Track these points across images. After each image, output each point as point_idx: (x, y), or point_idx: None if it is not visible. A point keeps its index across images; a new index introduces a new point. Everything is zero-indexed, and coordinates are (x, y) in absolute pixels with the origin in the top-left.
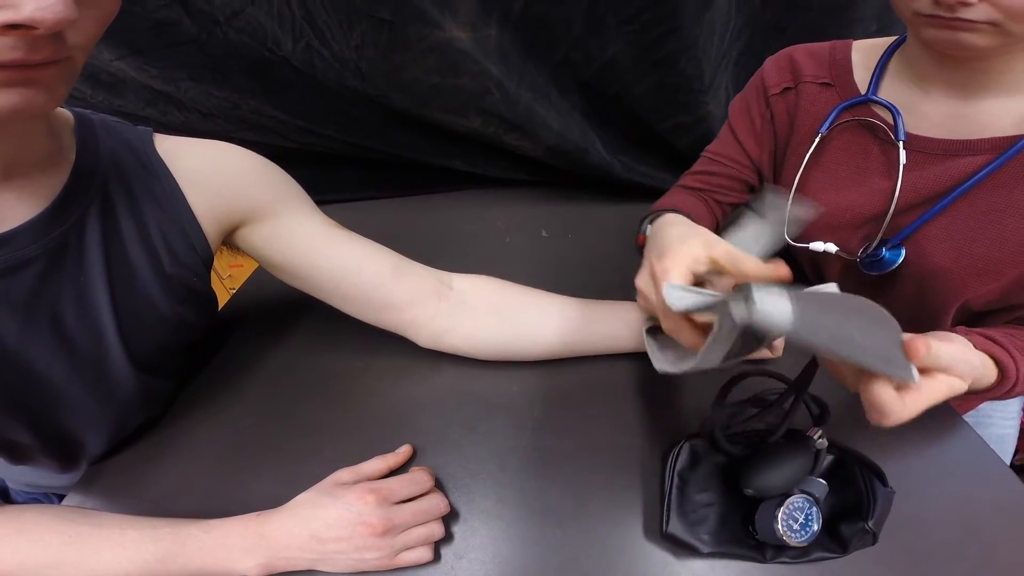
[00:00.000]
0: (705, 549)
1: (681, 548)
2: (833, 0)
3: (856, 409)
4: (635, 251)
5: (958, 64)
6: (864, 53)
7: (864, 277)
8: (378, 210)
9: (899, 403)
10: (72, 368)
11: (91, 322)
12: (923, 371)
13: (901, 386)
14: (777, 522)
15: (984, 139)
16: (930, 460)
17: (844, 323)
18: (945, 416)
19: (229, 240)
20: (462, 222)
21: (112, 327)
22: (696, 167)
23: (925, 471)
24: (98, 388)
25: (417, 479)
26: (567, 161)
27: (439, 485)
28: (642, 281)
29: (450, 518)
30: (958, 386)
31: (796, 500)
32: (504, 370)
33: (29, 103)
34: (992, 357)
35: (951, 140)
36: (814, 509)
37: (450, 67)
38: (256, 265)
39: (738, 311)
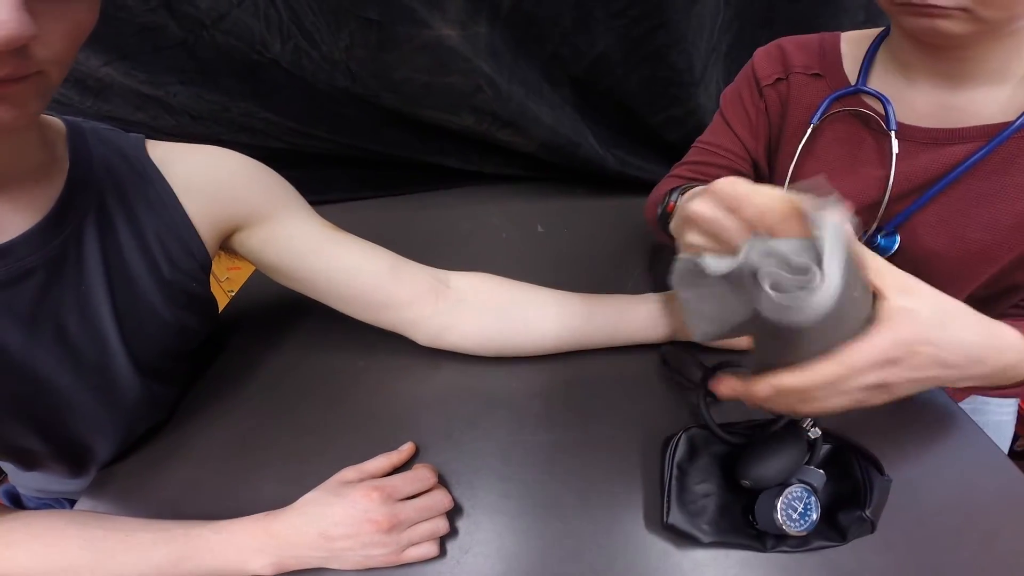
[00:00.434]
0: (705, 539)
1: (682, 538)
2: None
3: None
4: (634, 240)
5: (940, 53)
6: (852, 44)
7: None
8: (372, 210)
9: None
10: (78, 375)
11: (94, 330)
12: None
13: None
14: (776, 511)
15: (972, 127)
16: (928, 449)
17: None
18: (942, 405)
19: (226, 244)
20: (457, 220)
21: (115, 334)
22: (688, 157)
23: (923, 460)
24: (104, 394)
25: (421, 476)
26: (560, 156)
27: (442, 481)
28: (702, 206)
29: (454, 513)
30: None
31: (795, 490)
32: (504, 366)
33: None
34: None
35: (940, 129)
36: (812, 498)
37: (440, 65)
38: (253, 268)
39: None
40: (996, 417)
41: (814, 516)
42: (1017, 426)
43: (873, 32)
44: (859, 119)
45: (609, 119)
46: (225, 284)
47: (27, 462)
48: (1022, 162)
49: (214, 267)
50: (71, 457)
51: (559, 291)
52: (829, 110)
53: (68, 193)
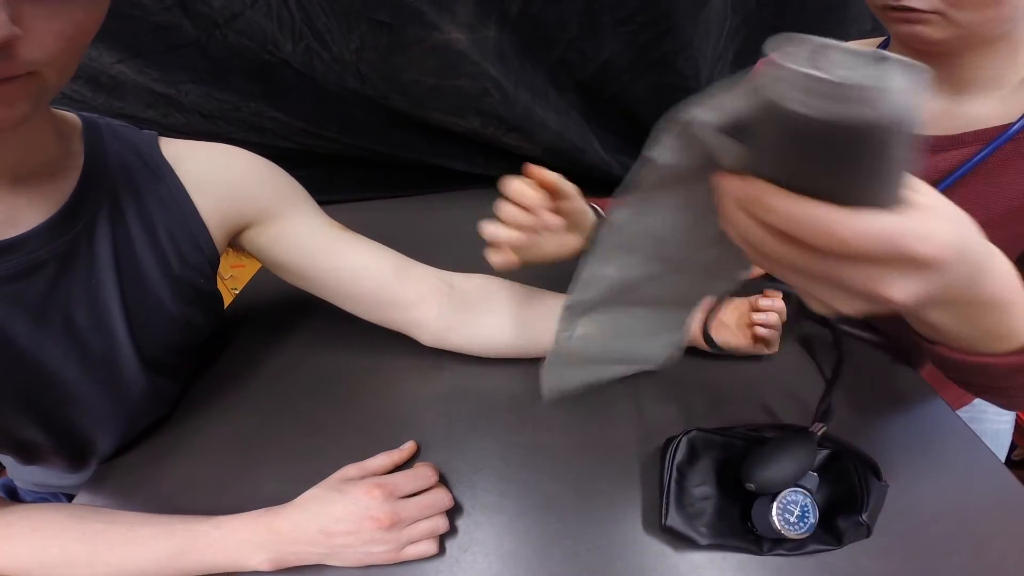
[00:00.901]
0: (703, 541)
1: (680, 540)
2: None
3: (851, 403)
4: None
5: (934, 61)
6: None
7: None
8: (378, 210)
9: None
10: (84, 368)
11: (102, 323)
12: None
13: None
14: (772, 516)
15: (970, 132)
16: (925, 455)
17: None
18: (939, 412)
19: (235, 242)
20: (462, 222)
21: (123, 328)
22: None
23: (920, 466)
24: (109, 388)
25: (422, 474)
26: (565, 160)
27: (443, 480)
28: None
29: (454, 512)
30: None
31: (790, 494)
32: (506, 367)
33: None
34: None
35: (942, 136)
36: (809, 501)
37: (449, 68)
38: (258, 266)
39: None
40: (994, 426)
41: (812, 519)
42: (1015, 436)
43: (875, 42)
44: None
45: (615, 125)
46: (229, 282)
47: (28, 455)
48: (1016, 164)
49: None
50: (72, 450)
51: (561, 295)
52: None
53: (82, 188)
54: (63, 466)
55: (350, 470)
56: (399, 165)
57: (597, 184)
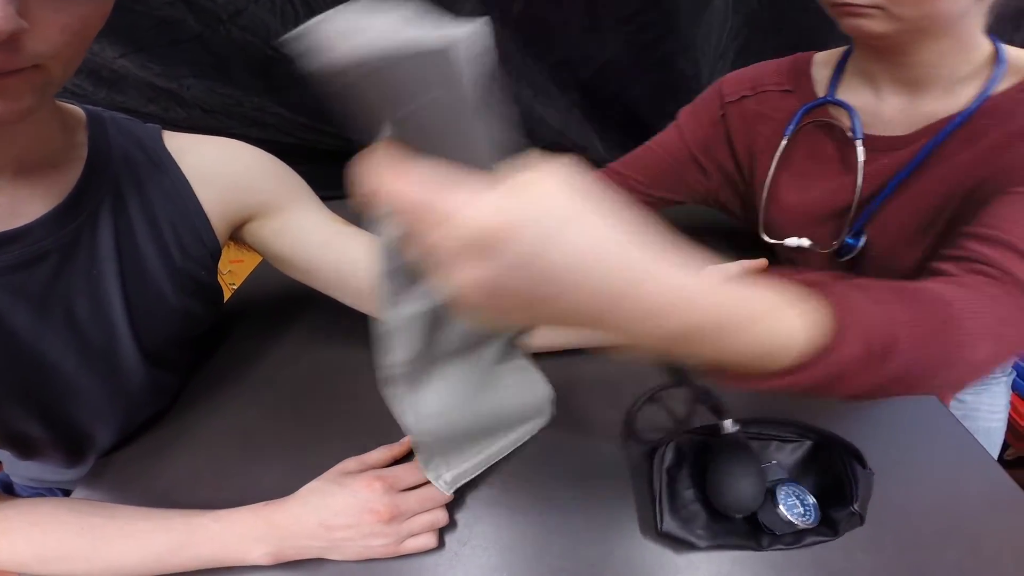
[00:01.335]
0: (702, 544)
1: (679, 544)
2: None
3: (845, 403)
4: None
5: (888, 58)
6: (823, 62)
7: (836, 264)
8: None
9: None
10: (84, 360)
11: (103, 315)
12: None
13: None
14: (782, 510)
15: (922, 128)
16: (918, 453)
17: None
18: (932, 410)
19: (237, 235)
20: None
21: (124, 320)
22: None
23: (913, 463)
24: (109, 381)
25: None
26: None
27: None
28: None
29: (453, 506)
30: None
31: (782, 491)
32: None
33: None
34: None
35: (898, 136)
36: (802, 490)
37: None
38: (257, 261)
39: None
40: (986, 424)
41: (811, 500)
42: (1008, 435)
43: (843, 49)
44: (828, 130)
45: (615, 123)
46: (227, 277)
47: (26, 450)
48: (969, 150)
49: None
50: (71, 445)
51: None
52: (801, 123)
53: (85, 180)
54: (61, 461)
55: (349, 463)
56: None
57: None
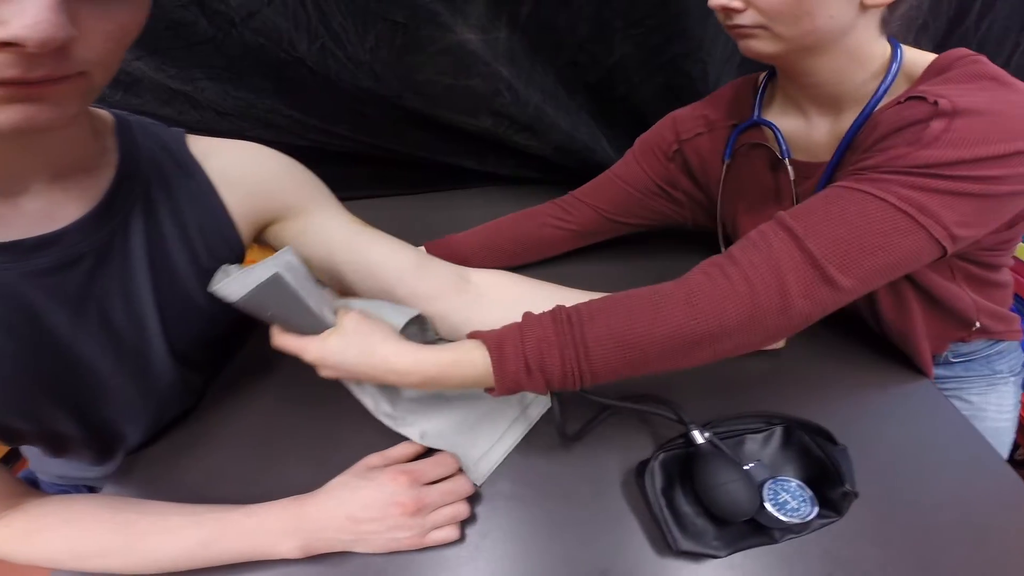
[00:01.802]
0: (723, 554)
1: (699, 557)
2: None
3: (855, 401)
4: (646, 240)
5: (793, 79)
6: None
7: None
8: (389, 207)
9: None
10: (117, 360)
11: (136, 317)
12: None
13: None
14: (772, 512)
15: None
16: (927, 452)
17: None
18: (942, 409)
19: (260, 237)
20: (471, 219)
21: (155, 321)
22: (591, 183)
23: (922, 460)
24: (140, 380)
25: (444, 461)
26: (575, 160)
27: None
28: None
29: (474, 499)
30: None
31: (769, 490)
32: None
33: (31, 120)
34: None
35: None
36: (794, 485)
37: (462, 69)
38: None
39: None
40: (994, 423)
41: (806, 492)
42: (1018, 435)
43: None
44: (764, 151)
45: (624, 125)
46: None
47: (58, 447)
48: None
49: None
50: (101, 442)
51: (574, 289)
52: (737, 149)
53: (117, 184)
54: (90, 458)
55: (373, 458)
56: (410, 163)
57: None
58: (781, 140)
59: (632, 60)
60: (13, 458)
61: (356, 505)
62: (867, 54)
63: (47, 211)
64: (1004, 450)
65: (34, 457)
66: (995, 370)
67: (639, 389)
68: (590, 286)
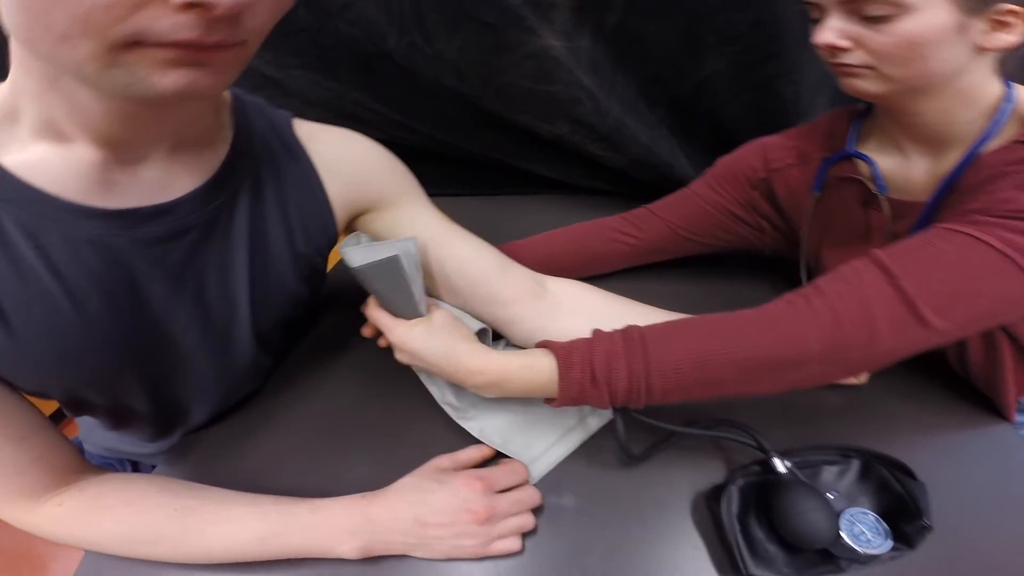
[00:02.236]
0: None
1: None
2: None
3: (909, 419)
4: (721, 261)
5: (897, 118)
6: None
7: None
8: (455, 207)
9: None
10: (203, 337)
11: (229, 294)
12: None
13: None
14: (847, 541)
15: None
16: (1003, 495)
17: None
18: (991, 422)
19: (351, 225)
20: (535, 224)
21: (245, 300)
22: (667, 199)
23: (997, 505)
24: (220, 359)
25: (516, 470)
26: (655, 175)
27: None
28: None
29: (536, 511)
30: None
31: (846, 518)
32: None
33: (195, 85)
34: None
35: (924, 202)
36: (871, 518)
37: (545, 74)
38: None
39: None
40: None
41: (882, 526)
42: None
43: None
44: (857, 186)
45: (703, 142)
46: None
47: (120, 421)
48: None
49: None
50: (165, 419)
51: (648, 306)
52: (828, 181)
53: (230, 160)
54: (149, 435)
55: (443, 460)
56: (481, 164)
57: None
58: (879, 176)
59: (722, 77)
60: (60, 418)
61: (427, 508)
62: (979, 95)
63: (164, 181)
64: None
65: (85, 426)
66: None
67: (704, 413)
68: (654, 305)
